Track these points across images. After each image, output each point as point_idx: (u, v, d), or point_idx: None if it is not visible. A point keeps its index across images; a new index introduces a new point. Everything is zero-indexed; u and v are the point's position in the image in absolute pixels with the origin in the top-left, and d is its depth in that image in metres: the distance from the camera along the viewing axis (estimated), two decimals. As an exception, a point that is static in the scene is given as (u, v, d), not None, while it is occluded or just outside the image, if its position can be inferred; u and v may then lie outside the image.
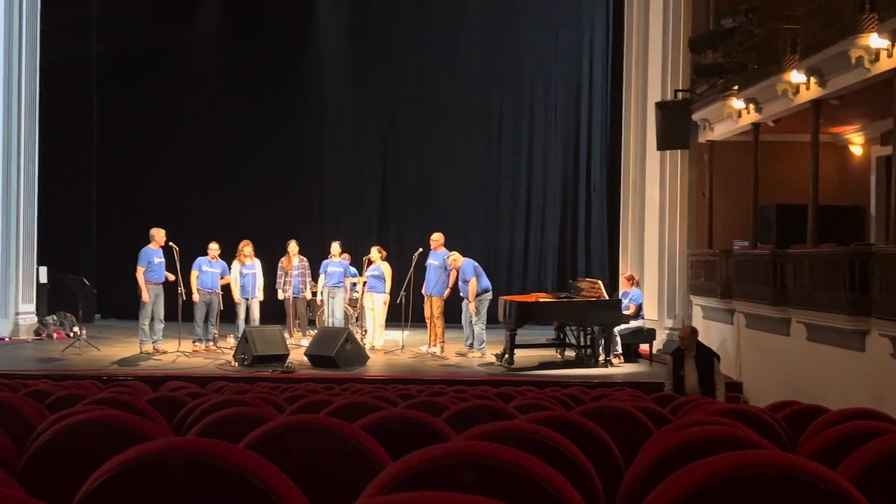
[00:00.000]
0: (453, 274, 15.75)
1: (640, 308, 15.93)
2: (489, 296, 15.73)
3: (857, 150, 16.25)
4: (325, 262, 16.84)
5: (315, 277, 17.19)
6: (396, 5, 22.00)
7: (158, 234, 15.43)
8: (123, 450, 2.15)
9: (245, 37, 22.07)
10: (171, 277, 15.27)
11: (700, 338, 16.32)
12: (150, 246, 15.36)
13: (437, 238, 16.15)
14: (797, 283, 12.67)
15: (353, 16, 22.34)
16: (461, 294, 15.82)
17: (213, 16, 22.24)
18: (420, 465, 2.16)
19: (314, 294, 17.36)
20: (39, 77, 19.25)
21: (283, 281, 16.99)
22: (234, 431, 3.32)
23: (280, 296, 17.09)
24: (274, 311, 17.37)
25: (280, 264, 17.06)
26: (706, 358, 11.04)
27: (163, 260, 15.31)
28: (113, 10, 21.21)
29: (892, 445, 2.87)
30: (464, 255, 15.93)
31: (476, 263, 15.81)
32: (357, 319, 17.18)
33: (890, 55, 10.65)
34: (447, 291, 15.84)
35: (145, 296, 15.16)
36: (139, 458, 2.10)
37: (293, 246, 17.07)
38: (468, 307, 15.67)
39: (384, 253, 16.65)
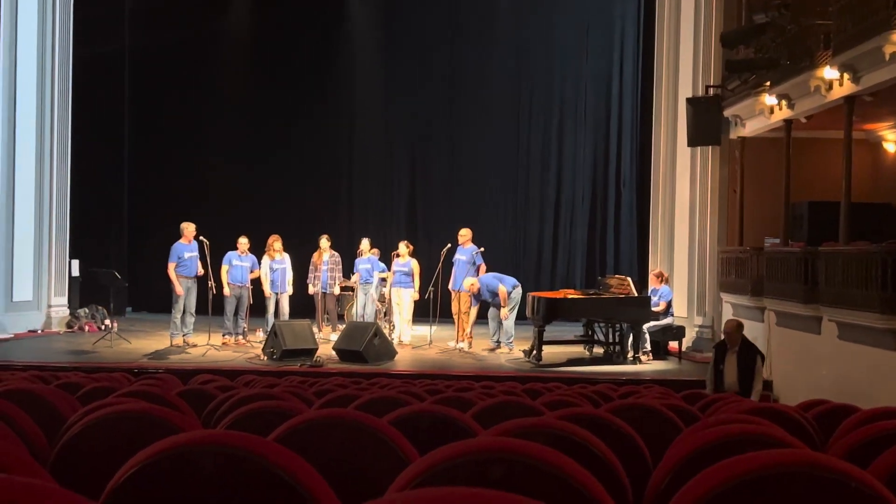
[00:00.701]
0: (482, 268, 15.77)
1: (669, 305, 15.86)
2: (520, 290, 15.71)
3: (890, 147, 16.11)
4: (357, 259, 16.89)
5: (347, 274, 17.26)
6: (426, 3, 22.00)
7: (188, 229, 15.51)
8: (153, 442, 2.17)
9: (275, 33, 22.15)
10: (202, 271, 15.36)
11: (730, 335, 16.38)
12: (180, 241, 15.46)
13: (464, 233, 16.13)
14: (829, 282, 12.58)
15: (382, 13, 22.36)
16: (493, 305, 15.78)
17: (243, 12, 22.35)
18: (447, 461, 2.16)
19: (343, 289, 17.41)
20: (72, 72, 19.41)
21: (313, 276, 17.06)
22: (262, 425, 3.34)
23: (310, 290, 17.15)
24: (303, 305, 17.45)
25: (312, 259, 17.13)
26: (749, 355, 10.62)
27: (194, 254, 15.38)
28: (144, 5, 21.36)
29: (925, 445, 2.85)
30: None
31: (495, 273, 15.81)
32: (385, 314, 17.22)
33: (925, 51, 10.55)
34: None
35: (178, 289, 15.25)
36: (169, 450, 2.12)
37: (324, 241, 17.05)
38: (499, 311, 15.67)
39: (411, 248, 16.66)
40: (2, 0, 17.75)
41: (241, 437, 2.19)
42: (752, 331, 15.12)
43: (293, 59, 21.97)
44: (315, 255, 17.12)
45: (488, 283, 15.54)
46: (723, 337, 11.06)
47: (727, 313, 16.49)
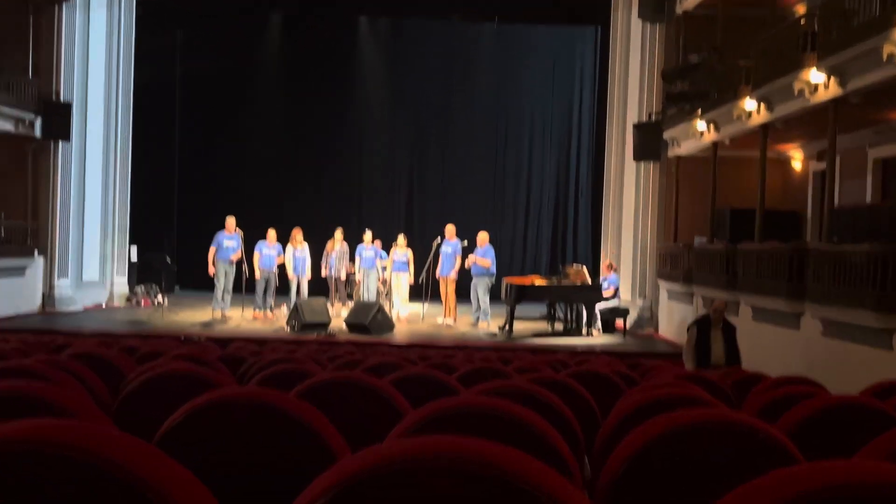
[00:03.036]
0: (459, 259, 15.70)
1: (616, 290, 15.91)
2: (493, 278, 15.73)
3: (797, 164, 16.18)
4: (359, 246, 16.79)
5: (353, 260, 17.21)
6: (426, 39, 21.97)
7: (229, 221, 15.51)
8: (197, 396, 2.17)
9: (301, 60, 21.99)
10: (236, 257, 15.32)
11: (664, 316, 16.47)
12: (223, 231, 15.45)
13: (450, 229, 16.07)
14: (745, 273, 12.65)
15: (390, 47, 22.30)
16: (472, 274, 15.74)
17: (275, 41, 22.23)
18: (436, 414, 2.17)
19: (349, 275, 17.33)
20: (133, 92, 19.35)
21: (325, 261, 17.03)
22: (285, 383, 3.34)
23: (323, 273, 17.09)
24: (320, 286, 17.37)
25: (326, 247, 17.08)
26: (730, 329, 9.47)
27: (233, 243, 15.35)
28: (194, 37, 21.23)
29: (819, 406, 2.88)
30: (472, 247, 15.84)
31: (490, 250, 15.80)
32: (386, 295, 17.19)
33: (827, 87, 10.60)
34: (454, 273, 15.78)
35: (210, 269, 15.28)
36: (209, 402, 2.12)
37: (338, 233, 17.02)
38: (476, 286, 15.64)
39: (407, 239, 16.65)
40: (76, 33, 17.70)
41: (268, 392, 2.19)
42: (683, 312, 15.21)
43: (315, 84, 21.84)
44: (329, 243, 17.06)
45: (487, 251, 15.55)
46: (708, 314, 9.72)
47: (663, 298, 16.56)
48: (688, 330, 9.86)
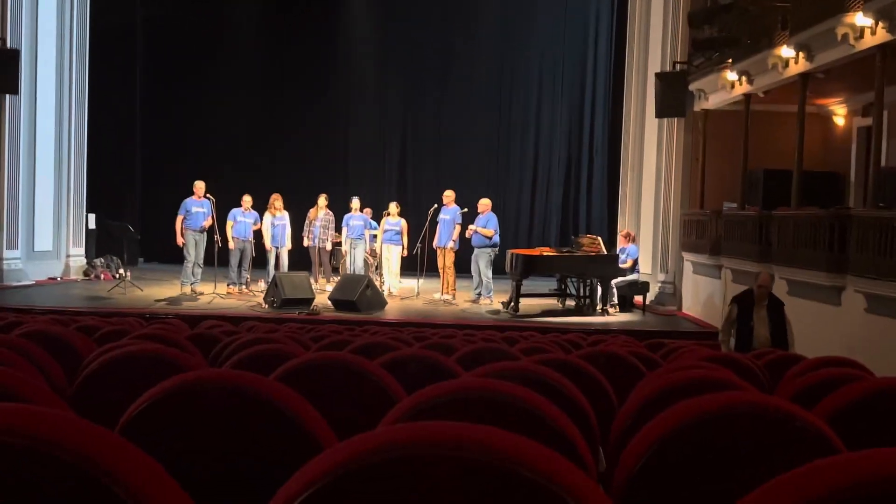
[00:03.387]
0: (458, 228, 15.71)
1: (635, 262, 15.92)
2: (496, 250, 15.74)
3: (839, 120, 16.14)
4: (346, 215, 16.83)
5: (339, 229, 17.23)
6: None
7: (198, 186, 15.52)
8: (164, 379, 2.17)
9: (281, 7, 21.90)
10: (207, 224, 15.34)
11: (688, 291, 16.51)
12: (191, 197, 15.46)
13: (448, 195, 16.12)
14: (781, 242, 12.66)
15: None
16: (473, 245, 15.76)
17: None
18: (434, 398, 2.18)
19: (335, 245, 17.37)
20: (89, 38, 19.24)
21: (308, 230, 17.04)
22: (264, 366, 3.35)
23: (305, 243, 17.12)
24: (301, 259, 17.41)
25: (308, 215, 17.09)
26: (777, 308, 9.25)
27: (202, 209, 15.35)
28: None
29: (863, 390, 2.88)
30: (473, 214, 15.86)
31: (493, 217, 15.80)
32: (377, 268, 17.22)
33: (874, 33, 10.54)
34: (451, 244, 15.79)
35: (179, 239, 15.32)
36: (178, 386, 2.12)
37: (322, 200, 17.06)
38: (477, 258, 15.66)
39: (399, 208, 16.67)
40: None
41: (245, 376, 2.19)
42: (710, 286, 15.24)
43: (298, 32, 21.74)
44: (312, 210, 17.08)
45: (490, 218, 15.58)
46: (751, 290, 9.61)
47: (688, 271, 16.59)
48: (728, 307, 9.91)
